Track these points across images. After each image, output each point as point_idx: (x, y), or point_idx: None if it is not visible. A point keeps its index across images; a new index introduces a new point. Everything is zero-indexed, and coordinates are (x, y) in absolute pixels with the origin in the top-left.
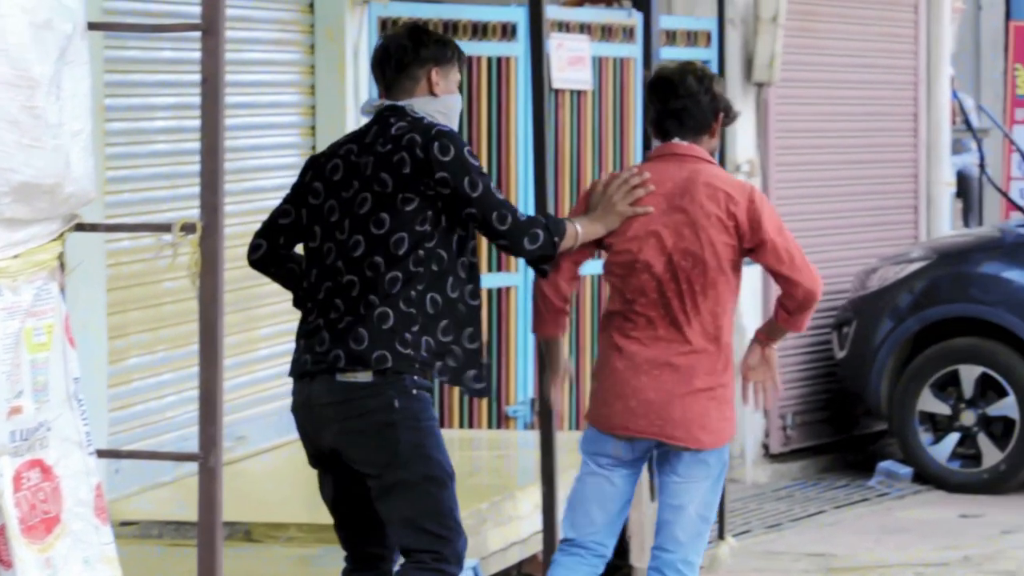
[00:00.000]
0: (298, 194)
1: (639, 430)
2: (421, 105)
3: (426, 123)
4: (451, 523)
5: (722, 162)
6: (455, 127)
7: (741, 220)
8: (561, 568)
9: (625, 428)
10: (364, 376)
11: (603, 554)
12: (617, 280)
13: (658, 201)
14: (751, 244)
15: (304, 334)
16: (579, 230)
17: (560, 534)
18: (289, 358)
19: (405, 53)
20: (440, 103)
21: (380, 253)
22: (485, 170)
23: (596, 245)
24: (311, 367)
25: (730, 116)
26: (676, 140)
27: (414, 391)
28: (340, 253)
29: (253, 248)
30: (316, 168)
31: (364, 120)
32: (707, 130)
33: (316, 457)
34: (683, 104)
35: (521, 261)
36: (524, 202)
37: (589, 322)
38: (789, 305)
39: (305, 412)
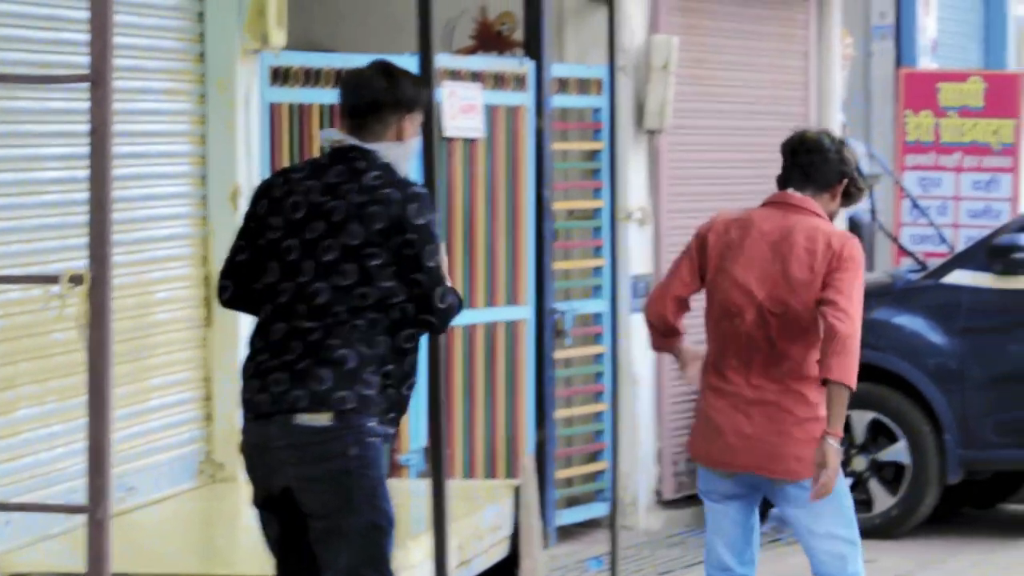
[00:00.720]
0: (250, 226)
1: (740, 465)
2: (386, 150)
3: (399, 179)
4: (387, 571)
5: (613, 210)
6: (409, 170)
7: (829, 264)
8: None
9: (725, 464)
10: (324, 419)
11: None
12: (713, 323)
13: (762, 249)
14: (825, 282)
15: (256, 373)
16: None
17: None
18: (180, 408)
19: (381, 94)
20: (404, 148)
21: (344, 303)
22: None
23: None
24: (269, 407)
25: (856, 187)
26: (791, 191)
27: (370, 439)
28: (300, 297)
29: (221, 289)
30: (271, 200)
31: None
32: (829, 189)
33: (265, 499)
34: (811, 159)
35: None
36: None
37: (482, 369)
38: (823, 347)
39: (259, 454)
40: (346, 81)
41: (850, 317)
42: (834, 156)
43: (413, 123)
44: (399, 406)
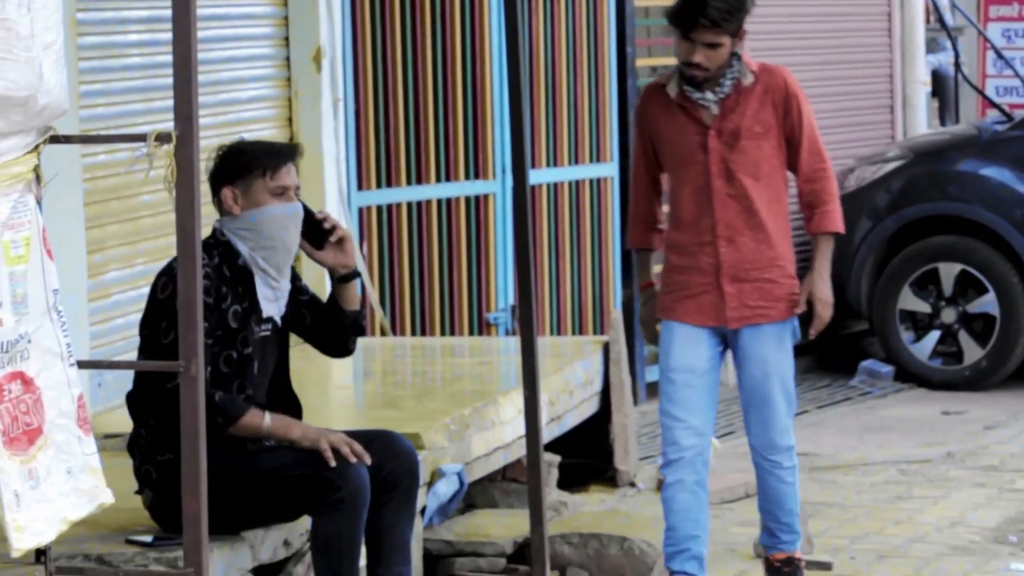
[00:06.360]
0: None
1: None
2: (226, 225)
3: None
4: None
5: None
6: (273, 247)
7: None
8: None
9: None
10: None
11: None
12: None
13: None
14: None
15: None
16: (267, 423)
17: None
18: None
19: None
20: (240, 221)
21: None
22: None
23: None
24: None
25: None
26: None
27: None
28: None
29: None
30: None
31: None
32: None
33: None
34: None
35: (499, 167)
36: (500, 111)
37: (568, 227)
38: None
39: None
40: None
41: None
42: None
43: (245, 194)
44: None
